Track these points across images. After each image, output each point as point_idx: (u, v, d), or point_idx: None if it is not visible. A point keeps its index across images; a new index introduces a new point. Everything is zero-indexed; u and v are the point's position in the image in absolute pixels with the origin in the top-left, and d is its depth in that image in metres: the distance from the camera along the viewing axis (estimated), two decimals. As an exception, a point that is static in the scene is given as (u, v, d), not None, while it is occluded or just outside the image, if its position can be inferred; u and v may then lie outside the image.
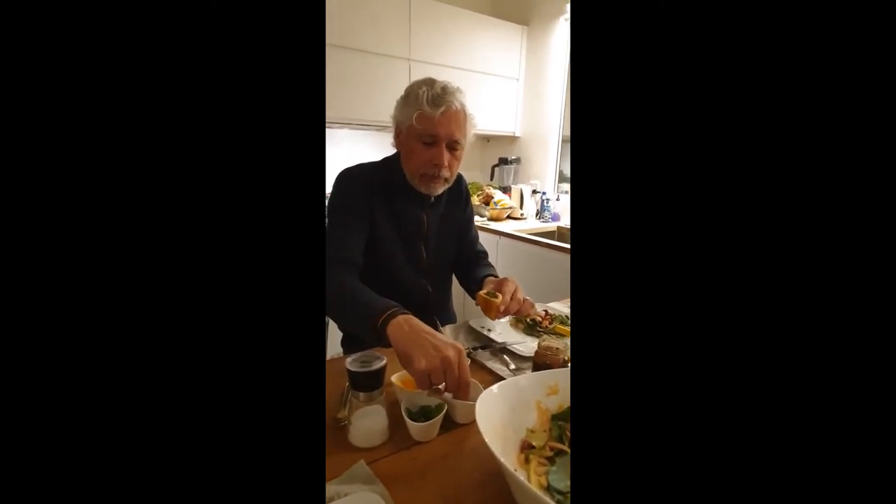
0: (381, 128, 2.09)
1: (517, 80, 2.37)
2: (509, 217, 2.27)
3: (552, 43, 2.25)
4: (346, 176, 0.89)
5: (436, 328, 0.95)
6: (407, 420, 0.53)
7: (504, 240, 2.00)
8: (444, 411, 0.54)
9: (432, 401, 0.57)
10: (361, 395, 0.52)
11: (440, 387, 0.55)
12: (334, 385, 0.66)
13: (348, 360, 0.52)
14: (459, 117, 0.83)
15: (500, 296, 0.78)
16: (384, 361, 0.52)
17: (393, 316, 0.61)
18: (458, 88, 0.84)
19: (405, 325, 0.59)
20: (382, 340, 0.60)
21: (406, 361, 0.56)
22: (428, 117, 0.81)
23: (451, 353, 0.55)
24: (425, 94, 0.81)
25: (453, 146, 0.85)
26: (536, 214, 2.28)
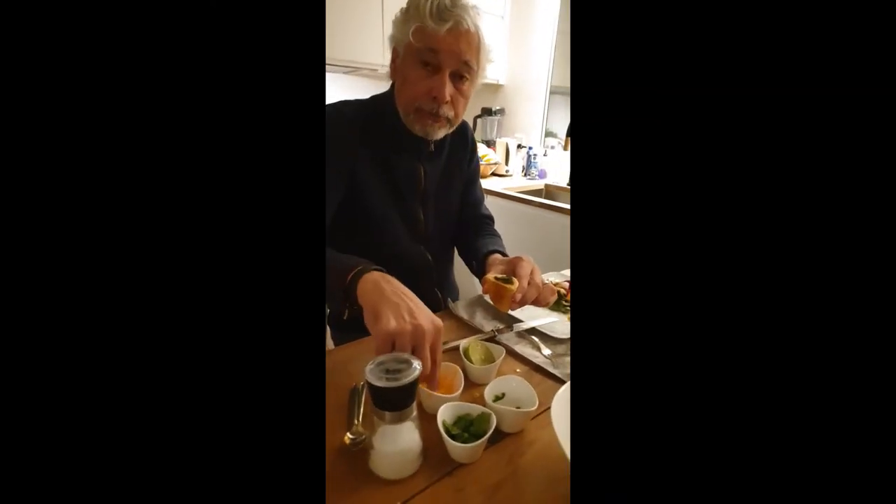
0: (350, 70, 1.82)
1: (502, 17, 2.13)
2: (494, 174, 2.12)
3: (542, -24, 2.02)
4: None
5: (442, 305, 0.83)
6: (446, 439, 0.41)
7: (490, 199, 1.87)
8: (494, 426, 0.42)
9: (474, 409, 0.45)
10: (388, 414, 0.39)
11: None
12: (332, 387, 0.52)
13: (368, 368, 0.38)
14: (472, 39, 0.65)
15: (515, 281, 0.62)
16: (417, 371, 0.38)
17: (365, 271, 0.53)
18: (473, 5, 0.65)
19: (382, 280, 0.51)
20: (351, 299, 0.52)
21: (372, 319, 0.47)
22: (430, 34, 0.63)
23: (427, 325, 0.45)
24: (429, 4, 0.62)
25: (461, 73, 0.67)
26: (522, 171, 2.14)
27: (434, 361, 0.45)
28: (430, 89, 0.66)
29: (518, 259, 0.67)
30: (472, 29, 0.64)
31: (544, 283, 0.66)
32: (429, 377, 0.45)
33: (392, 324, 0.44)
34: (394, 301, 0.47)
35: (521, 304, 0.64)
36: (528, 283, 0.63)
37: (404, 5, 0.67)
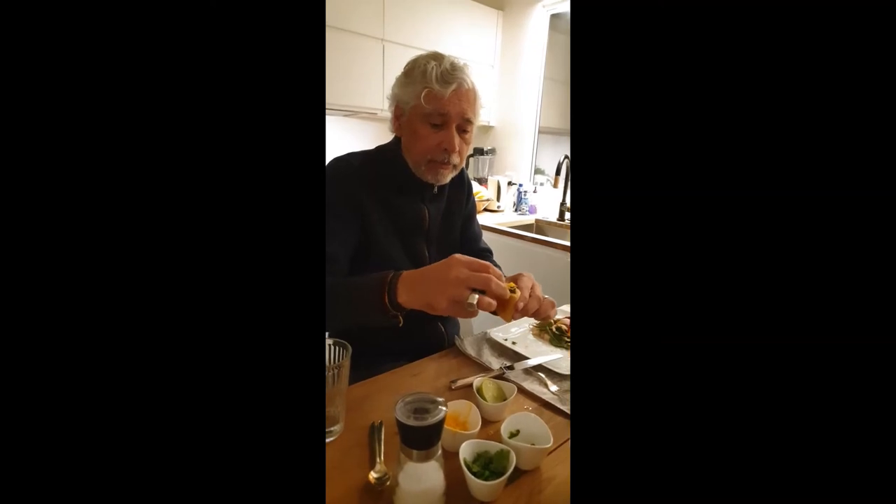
0: (350, 113, 1.91)
1: (492, 66, 2.27)
2: (486, 210, 2.19)
3: (528, 29, 2.18)
4: (333, 169, 0.77)
5: (445, 337, 0.85)
6: (469, 477, 0.43)
7: (483, 233, 1.92)
8: (514, 464, 0.44)
9: (493, 446, 0.47)
10: (415, 453, 0.41)
11: (474, 301, 0.51)
12: (349, 425, 0.54)
13: (397, 406, 0.41)
14: (471, 96, 0.75)
15: (518, 290, 0.60)
16: (444, 411, 0.41)
17: (394, 284, 0.57)
18: (466, 65, 0.76)
19: (406, 283, 0.57)
20: (399, 309, 0.58)
21: (434, 312, 0.54)
22: (437, 96, 0.71)
23: (457, 272, 0.51)
24: (434, 70, 0.71)
25: (464, 127, 0.76)
26: (513, 207, 2.22)
27: (481, 268, 0.52)
28: (440, 142, 0.74)
29: (519, 275, 0.68)
30: (471, 87, 0.75)
31: (545, 297, 0.66)
32: (496, 290, 0.52)
33: (443, 303, 0.51)
34: (428, 291, 0.54)
35: (524, 313, 0.63)
36: (530, 295, 0.63)
37: (404, 68, 0.77)
